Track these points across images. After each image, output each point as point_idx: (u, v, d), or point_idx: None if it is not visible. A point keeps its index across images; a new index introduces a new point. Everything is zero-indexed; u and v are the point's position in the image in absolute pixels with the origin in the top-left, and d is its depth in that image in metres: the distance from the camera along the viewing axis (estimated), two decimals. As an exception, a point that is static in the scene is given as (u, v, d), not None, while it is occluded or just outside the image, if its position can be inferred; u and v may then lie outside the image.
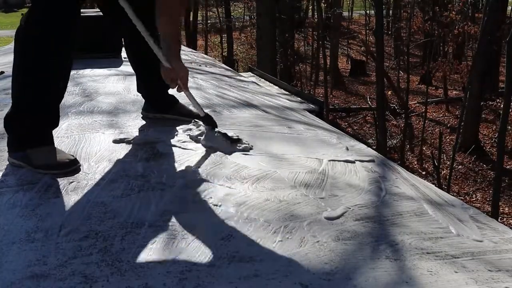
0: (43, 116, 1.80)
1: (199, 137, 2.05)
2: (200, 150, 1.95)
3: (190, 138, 2.06)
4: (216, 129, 2.05)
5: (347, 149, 2.11)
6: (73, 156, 1.78)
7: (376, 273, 1.22)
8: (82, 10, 1.89)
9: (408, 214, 1.55)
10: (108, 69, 3.36)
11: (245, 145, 2.00)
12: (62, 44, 1.74)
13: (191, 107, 2.24)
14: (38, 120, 1.79)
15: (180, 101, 2.32)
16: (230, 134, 2.03)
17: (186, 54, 4.82)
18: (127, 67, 3.40)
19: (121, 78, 3.15)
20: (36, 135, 1.79)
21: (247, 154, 1.94)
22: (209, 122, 2.07)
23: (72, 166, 1.73)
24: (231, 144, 1.98)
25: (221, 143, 1.99)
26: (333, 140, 2.26)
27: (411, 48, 16.80)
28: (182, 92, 2.02)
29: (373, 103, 14.17)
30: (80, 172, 1.73)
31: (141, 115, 2.31)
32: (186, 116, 2.25)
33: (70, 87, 2.21)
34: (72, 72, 2.84)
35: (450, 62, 14.35)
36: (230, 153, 1.93)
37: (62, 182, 1.65)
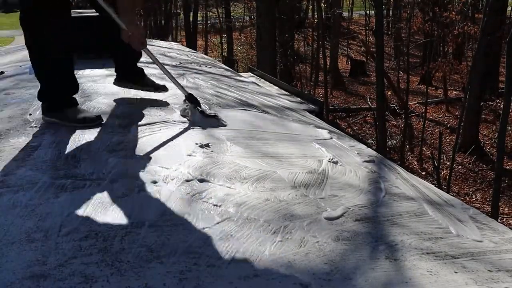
0: (68, 83, 2.30)
1: (185, 112, 2.37)
2: (200, 150, 1.95)
3: (181, 115, 2.37)
4: (198, 107, 2.35)
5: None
6: (96, 113, 2.28)
7: (376, 273, 1.22)
8: (82, 10, 1.94)
9: (408, 214, 1.55)
10: (107, 69, 3.35)
11: (221, 121, 2.29)
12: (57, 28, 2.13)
13: (153, 79, 2.73)
14: (67, 87, 2.29)
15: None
16: (208, 112, 2.36)
17: (186, 54, 4.82)
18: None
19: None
20: (68, 97, 2.28)
21: (246, 155, 1.94)
22: (192, 100, 2.38)
23: (99, 120, 2.22)
24: (205, 119, 2.28)
25: (196, 117, 2.30)
26: (333, 140, 2.26)
27: (411, 48, 16.80)
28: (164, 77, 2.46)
29: (373, 104, 14.17)
30: (80, 172, 1.73)
31: (113, 83, 2.73)
32: (149, 86, 2.68)
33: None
34: None
35: (450, 63, 14.36)
36: (204, 127, 2.22)
37: (63, 181, 1.65)
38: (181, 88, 2.43)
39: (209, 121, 2.27)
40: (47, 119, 2.24)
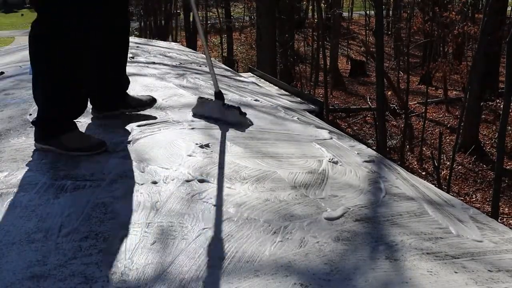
0: (73, 105, 2.00)
1: (199, 109, 2.34)
2: (200, 150, 1.96)
3: (194, 115, 2.33)
4: (225, 103, 2.32)
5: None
6: (99, 139, 1.98)
7: (376, 273, 1.22)
8: None
9: (408, 214, 1.55)
10: None
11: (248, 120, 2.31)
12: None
13: (139, 96, 2.43)
14: (69, 109, 1.99)
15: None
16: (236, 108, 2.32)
17: (186, 54, 4.82)
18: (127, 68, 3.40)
19: None
20: (68, 122, 1.98)
21: (246, 155, 1.94)
22: (220, 96, 2.32)
23: (102, 147, 1.93)
24: (239, 116, 2.27)
25: (232, 114, 2.28)
26: (333, 140, 2.26)
27: (411, 48, 16.81)
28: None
29: (373, 104, 14.17)
30: (80, 173, 1.73)
31: (92, 116, 2.31)
32: (137, 106, 2.37)
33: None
34: None
35: (450, 63, 14.36)
36: (238, 124, 2.23)
37: (63, 182, 1.65)
38: (215, 82, 2.35)
39: (242, 118, 2.29)
40: (42, 147, 1.93)
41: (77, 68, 1.93)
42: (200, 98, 2.40)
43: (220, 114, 2.29)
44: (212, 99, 2.36)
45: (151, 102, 2.40)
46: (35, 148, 1.94)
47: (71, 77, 1.92)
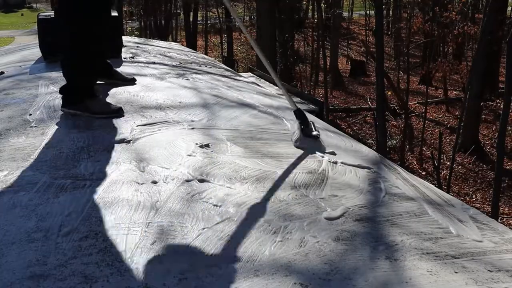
0: (94, 74, 2.48)
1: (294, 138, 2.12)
2: (200, 150, 1.95)
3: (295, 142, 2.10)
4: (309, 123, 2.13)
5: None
6: (117, 105, 2.39)
7: (376, 273, 1.22)
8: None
9: (408, 214, 1.55)
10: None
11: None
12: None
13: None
14: (90, 79, 2.42)
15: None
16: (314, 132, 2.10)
17: (186, 54, 4.82)
18: (126, 68, 3.40)
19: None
20: (91, 89, 2.39)
21: (246, 155, 1.94)
22: (299, 116, 2.13)
23: (121, 112, 2.33)
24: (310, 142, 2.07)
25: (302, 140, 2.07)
26: (333, 140, 2.26)
27: (411, 48, 16.80)
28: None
29: (373, 104, 14.17)
30: (80, 172, 1.73)
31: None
32: (121, 80, 2.86)
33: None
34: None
35: (450, 63, 14.36)
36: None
37: (63, 182, 1.65)
38: (291, 101, 2.21)
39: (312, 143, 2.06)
40: (70, 111, 2.32)
41: (96, 43, 2.36)
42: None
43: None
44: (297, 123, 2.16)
45: (132, 80, 2.90)
46: (62, 112, 2.31)
47: (92, 51, 2.35)
